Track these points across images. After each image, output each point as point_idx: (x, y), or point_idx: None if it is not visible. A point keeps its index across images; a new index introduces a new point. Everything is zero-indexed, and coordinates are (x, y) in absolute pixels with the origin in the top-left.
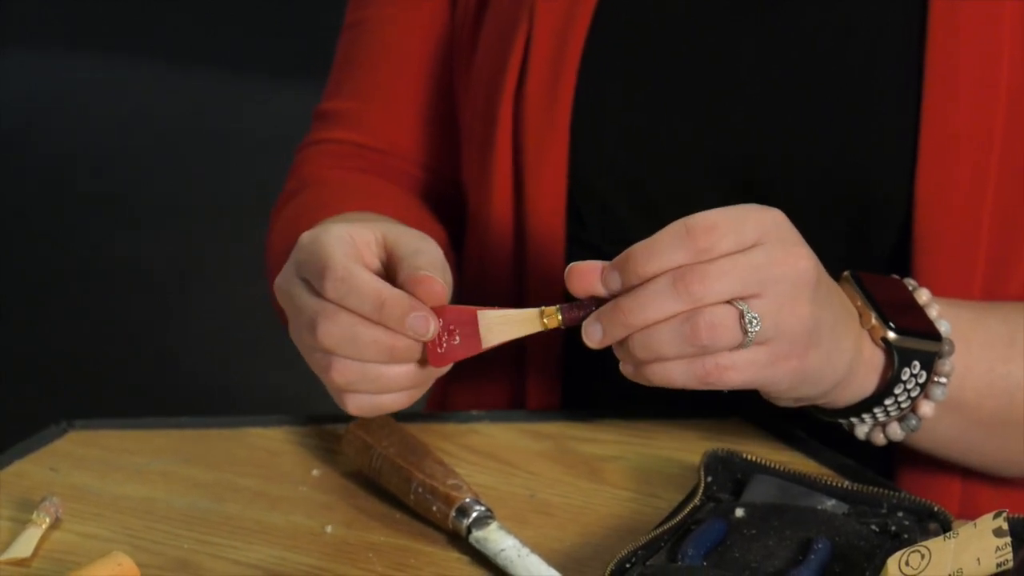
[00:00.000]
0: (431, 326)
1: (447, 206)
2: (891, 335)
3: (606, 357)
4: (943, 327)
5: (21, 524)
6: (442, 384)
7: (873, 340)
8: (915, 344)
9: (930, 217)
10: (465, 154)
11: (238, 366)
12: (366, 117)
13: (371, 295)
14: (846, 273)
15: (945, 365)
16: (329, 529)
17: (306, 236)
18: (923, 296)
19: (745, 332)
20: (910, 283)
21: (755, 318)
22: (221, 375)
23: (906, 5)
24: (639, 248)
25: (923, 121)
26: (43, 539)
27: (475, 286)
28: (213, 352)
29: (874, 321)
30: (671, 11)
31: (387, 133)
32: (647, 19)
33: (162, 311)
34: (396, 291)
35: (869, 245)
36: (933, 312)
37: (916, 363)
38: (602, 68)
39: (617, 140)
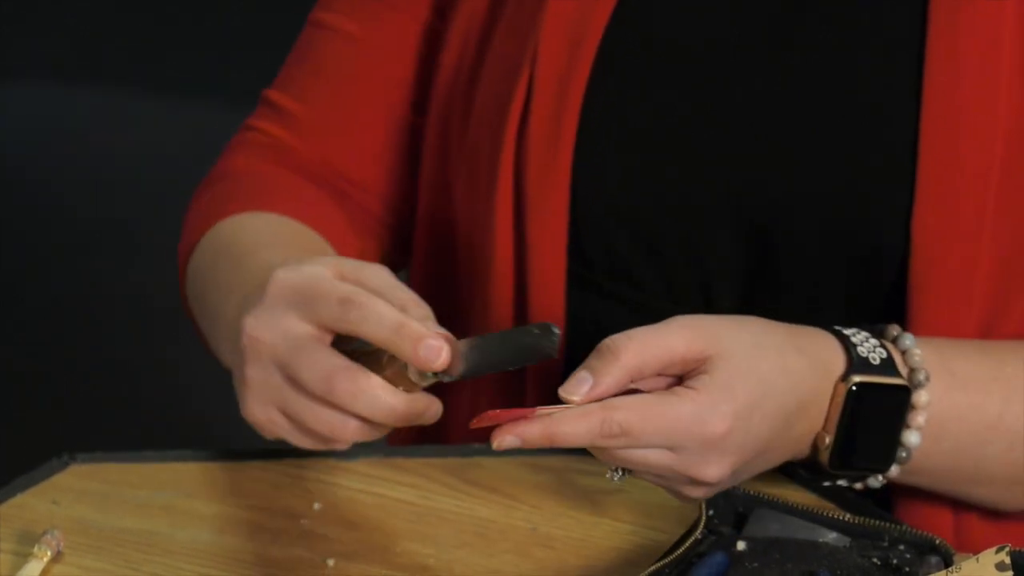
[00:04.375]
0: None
1: (370, 221)
2: (827, 466)
3: None
4: (911, 439)
5: (23, 557)
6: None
7: (816, 447)
8: (850, 472)
9: (926, 254)
10: (461, 192)
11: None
12: (304, 124)
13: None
14: (858, 380)
15: (890, 473)
16: (331, 563)
17: (284, 277)
18: (922, 398)
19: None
20: (920, 375)
21: (618, 473)
22: (223, 408)
23: (905, 44)
24: (562, 431)
25: (920, 157)
26: (44, 572)
27: (475, 325)
28: (215, 385)
29: (828, 442)
30: (674, 51)
31: (326, 146)
32: (649, 60)
33: (163, 344)
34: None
35: (868, 283)
36: (913, 430)
37: (844, 481)
38: (604, 110)
39: (619, 180)
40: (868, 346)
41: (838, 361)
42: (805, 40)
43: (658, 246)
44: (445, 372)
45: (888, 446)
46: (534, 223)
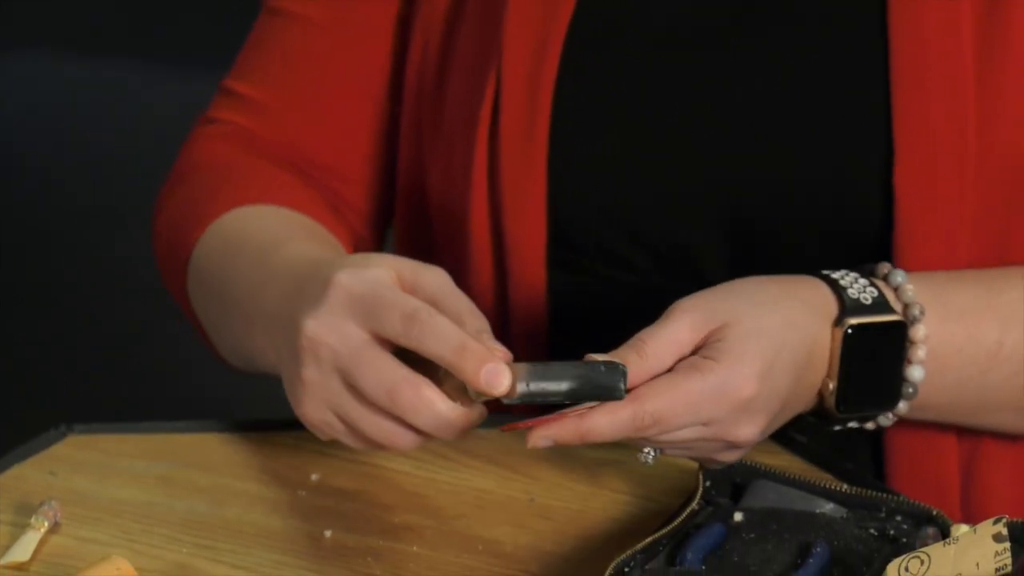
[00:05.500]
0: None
1: (342, 207)
2: (835, 411)
3: (590, 348)
4: (915, 374)
5: (20, 528)
6: None
7: (822, 395)
8: (859, 414)
9: (910, 221)
10: (436, 187)
11: (236, 370)
12: (269, 111)
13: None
14: (852, 323)
15: (898, 409)
16: (328, 534)
17: (348, 281)
18: (919, 332)
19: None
20: (915, 310)
21: (649, 455)
22: (220, 379)
23: (866, 14)
24: (595, 428)
25: (895, 124)
26: (42, 543)
27: None
28: (212, 356)
29: (832, 387)
30: (639, 45)
31: (295, 134)
32: (617, 51)
33: (161, 315)
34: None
35: (851, 253)
36: (916, 364)
37: (855, 423)
38: (576, 106)
39: (596, 175)
40: (858, 287)
41: (832, 306)
42: (769, 28)
43: (639, 232)
44: (504, 395)
45: (893, 384)
46: (512, 219)
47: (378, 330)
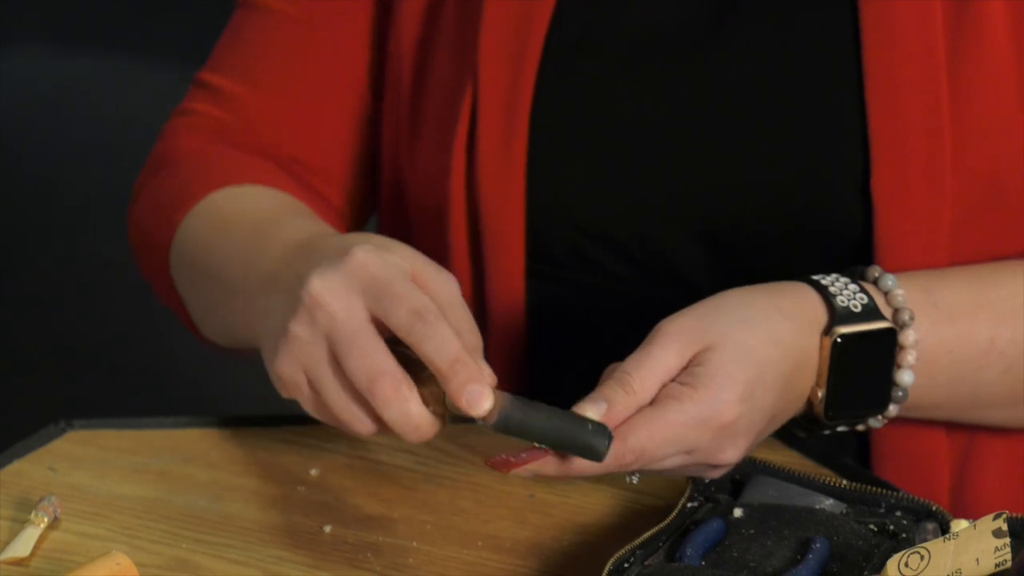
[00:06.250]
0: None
1: (323, 205)
2: (823, 418)
3: (570, 352)
4: (905, 379)
5: (19, 524)
6: None
7: (810, 402)
8: (847, 420)
9: (889, 222)
10: (415, 193)
11: (236, 365)
12: (245, 104)
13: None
14: (842, 332)
15: (888, 412)
16: (327, 529)
17: (366, 257)
18: (909, 337)
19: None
20: (904, 315)
21: (635, 476)
22: (219, 375)
23: (838, 19)
24: (578, 466)
25: (871, 126)
26: (41, 538)
27: None
28: (211, 353)
29: (820, 395)
30: (615, 54)
31: (277, 129)
32: (592, 65)
33: (160, 310)
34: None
35: (831, 263)
36: (905, 369)
37: (844, 427)
38: (554, 117)
39: (575, 185)
40: (848, 293)
41: (821, 315)
42: (743, 33)
43: (620, 242)
44: (480, 417)
45: (882, 389)
46: (490, 231)
47: (382, 316)
